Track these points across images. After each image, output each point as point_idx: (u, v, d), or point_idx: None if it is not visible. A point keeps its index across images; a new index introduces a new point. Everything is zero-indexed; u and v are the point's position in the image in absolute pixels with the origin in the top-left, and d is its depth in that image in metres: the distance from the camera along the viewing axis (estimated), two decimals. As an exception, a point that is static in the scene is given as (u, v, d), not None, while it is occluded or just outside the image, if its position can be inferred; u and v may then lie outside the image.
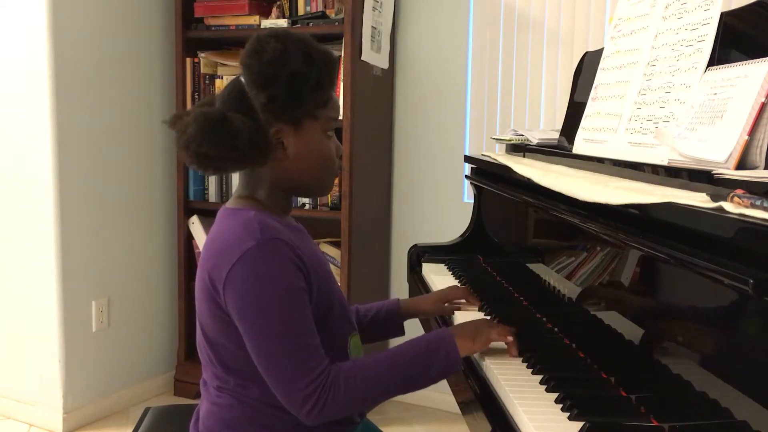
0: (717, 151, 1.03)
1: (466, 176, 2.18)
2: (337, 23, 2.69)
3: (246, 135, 1.14)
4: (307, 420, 1.12)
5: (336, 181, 2.73)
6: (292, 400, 1.12)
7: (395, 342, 1.30)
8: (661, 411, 0.97)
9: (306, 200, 2.81)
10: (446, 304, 1.53)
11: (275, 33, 1.16)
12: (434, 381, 1.20)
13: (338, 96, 2.67)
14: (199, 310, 1.21)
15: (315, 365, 1.11)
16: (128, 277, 2.92)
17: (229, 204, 1.24)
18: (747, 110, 1.01)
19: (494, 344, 1.26)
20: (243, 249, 1.11)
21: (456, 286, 1.60)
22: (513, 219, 1.80)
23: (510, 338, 1.24)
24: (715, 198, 0.88)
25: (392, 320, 1.50)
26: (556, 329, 1.37)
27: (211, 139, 1.13)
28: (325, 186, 1.29)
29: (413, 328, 1.59)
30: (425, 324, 1.69)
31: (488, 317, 1.47)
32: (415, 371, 1.18)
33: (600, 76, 1.56)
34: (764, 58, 1.03)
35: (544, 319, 1.43)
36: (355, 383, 1.13)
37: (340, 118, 2.66)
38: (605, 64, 1.56)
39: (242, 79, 1.18)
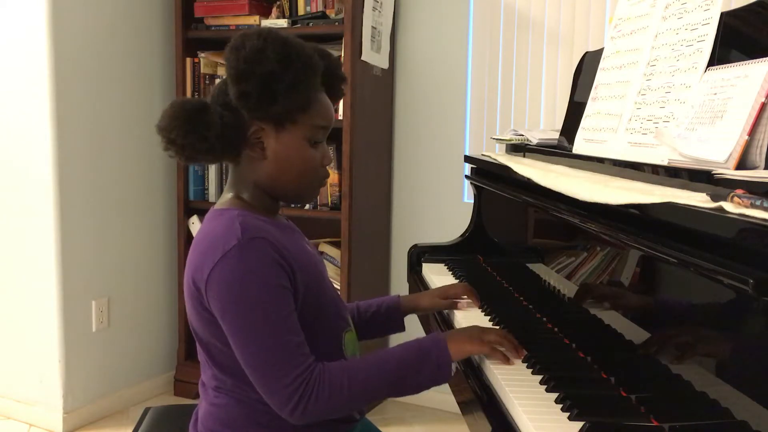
0: (717, 151, 1.03)
1: (466, 176, 2.18)
2: (337, 23, 2.69)
3: (218, 128, 1.15)
4: (291, 419, 1.11)
5: (336, 180, 2.74)
6: (276, 398, 1.11)
7: (395, 338, 1.30)
8: (661, 411, 0.97)
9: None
10: (444, 300, 1.53)
11: (259, 31, 1.16)
12: (424, 387, 1.18)
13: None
14: (189, 312, 1.21)
15: (298, 363, 1.10)
16: (128, 277, 2.92)
17: (216, 205, 1.25)
18: (747, 110, 1.01)
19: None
20: (224, 249, 1.12)
21: (456, 283, 1.60)
22: (513, 219, 1.80)
23: (508, 345, 1.21)
24: (715, 198, 0.88)
25: (393, 317, 1.50)
26: (556, 329, 1.37)
27: (182, 128, 1.15)
28: (305, 193, 1.28)
29: (412, 325, 1.60)
30: (424, 321, 1.69)
31: (487, 317, 1.47)
32: (404, 375, 1.17)
33: (600, 76, 1.56)
34: (764, 58, 1.03)
35: (544, 319, 1.43)
36: (340, 383, 1.12)
37: (340, 117, 2.67)
38: (605, 64, 1.56)
39: None
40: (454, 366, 1.20)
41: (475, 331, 1.24)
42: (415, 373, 1.17)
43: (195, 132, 1.15)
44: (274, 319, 1.11)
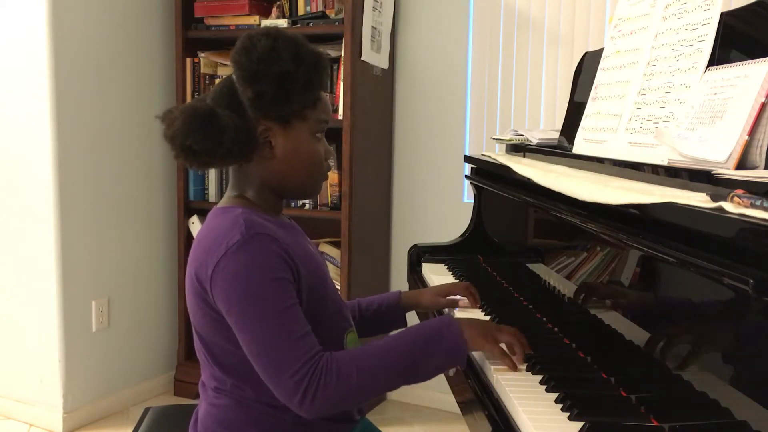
0: (717, 151, 1.03)
1: (466, 176, 2.18)
2: (337, 23, 2.69)
3: (232, 131, 1.15)
4: (301, 411, 1.10)
5: (336, 180, 2.74)
6: (284, 389, 1.10)
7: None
8: (661, 411, 0.97)
9: (306, 200, 2.81)
10: (444, 299, 1.53)
11: (266, 31, 1.17)
12: (438, 370, 1.16)
13: (338, 96, 2.69)
14: (191, 310, 1.21)
15: (305, 351, 1.10)
16: (128, 277, 2.92)
17: (219, 204, 1.25)
18: (747, 110, 1.01)
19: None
20: (228, 245, 1.12)
21: (458, 282, 1.60)
22: (513, 219, 1.80)
23: (519, 348, 1.19)
24: (715, 198, 0.88)
25: (394, 313, 1.50)
26: (556, 329, 1.37)
27: (198, 134, 1.14)
28: (312, 188, 1.30)
29: (414, 322, 1.59)
30: (423, 318, 1.69)
31: (487, 317, 1.47)
32: (416, 359, 1.14)
33: (600, 76, 1.56)
34: (764, 58, 1.03)
35: (544, 319, 1.43)
36: (349, 370, 1.10)
37: (340, 117, 2.67)
38: (605, 64, 1.56)
39: (233, 76, 1.19)
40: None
41: (490, 327, 1.22)
42: (428, 354, 1.14)
43: (211, 137, 1.14)
44: (279, 310, 1.11)
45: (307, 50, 1.17)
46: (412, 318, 1.55)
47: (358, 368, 1.12)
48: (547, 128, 2.49)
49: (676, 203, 0.92)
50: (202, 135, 1.14)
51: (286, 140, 1.21)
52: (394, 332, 1.21)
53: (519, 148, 1.90)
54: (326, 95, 1.26)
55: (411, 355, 1.15)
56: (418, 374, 1.16)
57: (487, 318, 1.46)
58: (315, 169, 1.25)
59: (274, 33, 1.16)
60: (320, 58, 1.19)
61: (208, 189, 3.02)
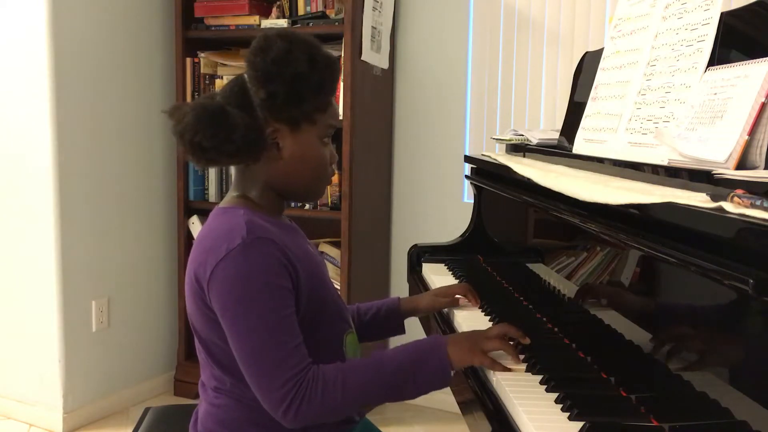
0: (717, 151, 1.03)
1: (466, 176, 2.18)
2: (337, 23, 2.69)
3: (242, 130, 1.15)
4: (284, 421, 1.11)
5: (336, 180, 2.74)
6: (269, 399, 1.11)
7: (395, 341, 1.28)
8: (661, 411, 0.97)
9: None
10: (444, 298, 1.53)
11: (282, 33, 1.17)
12: (422, 391, 1.16)
13: (338, 96, 2.69)
14: (189, 309, 1.21)
15: (293, 364, 1.10)
16: (128, 277, 2.92)
17: (221, 203, 1.25)
18: (747, 110, 1.01)
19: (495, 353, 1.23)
20: (229, 247, 1.12)
21: (456, 284, 1.60)
22: (513, 219, 1.80)
23: (509, 347, 1.19)
24: (715, 198, 0.88)
25: (392, 318, 1.50)
26: (556, 329, 1.37)
27: (207, 130, 1.14)
28: (315, 191, 1.30)
29: (414, 327, 1.59)
30: (425, 323, 1.69)
31: (487, 317, 1.47)
32: (401, 379, 1.15)
33: (600, 76, 1.56)
34: (764, 58, 1.03)
35: (544, 319, 1.43)
36: (334, 386, 1.11)
37: (340, 117, 2.67)
38: (605, 64, 1.56)
39: (245, 76, 1.19)
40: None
41: (477, 339, 1.21)
42: (412, 376, 1.15)
43: (220, 134, 1.14)
44: (273, 319, 1.11)
45: (320, 53, 1.18)
46: (413, 325, 1.55)
47: (343, 386, 1.12)
48: (547, 128, 2.49)
49: (676, 203, 0.92)
50: (212, 132, 1.14)
51: (293, 143, 1.21)
52: (387, 350, 1.20)
53: (519, 148, 1.90)
54: (335, 100, 1.26)
55: (396, 376, 1.15)
56: (403, 395, 1.17)
57: (487, 318, 1.46)
58: (320, 172, 1.26)
59: (289, 35, 1.17)
60: (333, 62, 1.20)
61: (208, 189, 3.02)
